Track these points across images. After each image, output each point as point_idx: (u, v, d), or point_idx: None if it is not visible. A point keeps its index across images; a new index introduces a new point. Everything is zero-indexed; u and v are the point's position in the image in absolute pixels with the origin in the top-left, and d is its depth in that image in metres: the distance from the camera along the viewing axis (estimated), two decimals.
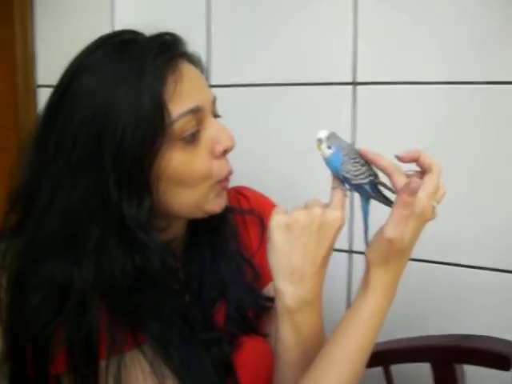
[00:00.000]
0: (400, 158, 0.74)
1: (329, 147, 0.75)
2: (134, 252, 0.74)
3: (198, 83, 0.81)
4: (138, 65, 0.73)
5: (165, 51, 0.76)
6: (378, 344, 1.08)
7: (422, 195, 0.69)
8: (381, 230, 0.71)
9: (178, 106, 0.74)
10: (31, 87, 1.49)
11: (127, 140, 0.71)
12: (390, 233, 0.69)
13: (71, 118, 0.73)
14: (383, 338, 1.10)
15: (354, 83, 1.24)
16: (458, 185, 1.14)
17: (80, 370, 0.71)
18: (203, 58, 1.36)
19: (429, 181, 0.71)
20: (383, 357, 1.11)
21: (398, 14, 1.19)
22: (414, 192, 0.68)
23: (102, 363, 0.72)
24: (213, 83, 1.37)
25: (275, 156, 1.35)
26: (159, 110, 0.72)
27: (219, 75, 1.38)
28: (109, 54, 0.75)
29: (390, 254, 0.71)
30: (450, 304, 1.21)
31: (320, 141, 0.75)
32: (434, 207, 0.72)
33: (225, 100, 1.36)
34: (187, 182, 0.77)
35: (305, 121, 1.29)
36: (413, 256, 1.15)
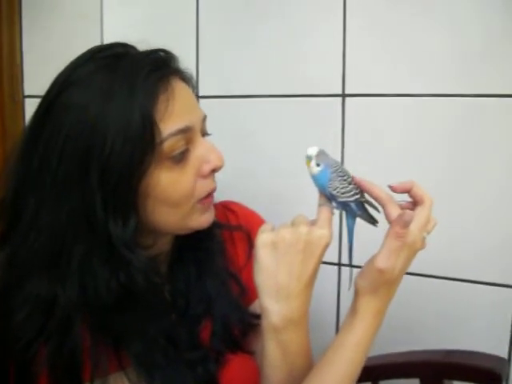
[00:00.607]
0: (393, 189, 0.74)
1: (318, 164, 0.75)
2: (118, 269, 0.73)
3: (190, 102, 0.80)
4: (129, 81, 0.72)
5: (158, 69, 0.75)
6: (367, 359, 1.08)
7: (414, 227, 0.71)
8: (372, 260, 0.71)
9: (169, 125, 0.73)
10: (18, 98, 1.48)
11: (115, 156, 0.70)
12: (382, 263, 0.70)
13: (58, 131, 0.71)
14: (372, 352, 1.10)
15: (344, 95, 1.23)
16: (451, 198, 1.15)
17: None
18: (192, 69, 1.38)
19: (420, 213, 0.72)
20: (372, 372, 1.09)
21: (387, 27, 1.18)
22: (406, 224, 0.69)
23: None
24: (201, 94, 1.36)
25: (263, 168, 1.34)
26: (149, 128, 0.71)
27: (207, 86, 1.37)
28: (100, 67, 0.74)
29: (380, 283, 0.71)
30: (439, 318, 1.20)
31: (309, 158, 0.75)
32: (424, 238, 0.73)
33: (213, 112, 1.36)
34: (173, 201, 0.76)
35: (293, 132, 1.29)
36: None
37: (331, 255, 1.28)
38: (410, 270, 1.15)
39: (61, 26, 1.47)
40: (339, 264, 1.29)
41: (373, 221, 0.76)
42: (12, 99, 1.45)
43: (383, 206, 0.73)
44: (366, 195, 0.76)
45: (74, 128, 0.71)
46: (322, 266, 1.24)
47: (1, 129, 1.45)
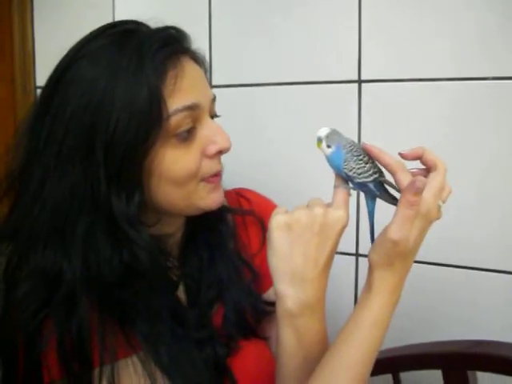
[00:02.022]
0: (403, 156, 0.71)
1: (328, 146, 0.72)
2: (121, 247, 0.73)
3: (199, 81, 0.79)
4: (138, 56, 0.71)
5: (168, 45, 0.74)
6: (387, 350, 1.06)
7: (428, 194, 0.67)
8: (385, 231, 0.68)
9: (176, 101, 0.72)
10: (30, 88, 1.47)
11: (120, 131, 0.69)
12: (395, 234, 0.66)
13: (65, 104, 0.71)
14: (392, 344, 1.08)
15: (360, 81, 1.20)
16: (465, 184, 1.11)
17: (73, 372, 0.69)
18: (205, 57, 1.36)
19: (434, 179, 0.69)
20: (393, 363, 1.07)
21: (403, 11, 1.15)
22: (419, 191, 0.65)
23: (96, 370, 0.70)
24: (214, 83, 1.35)
25: (277, 156, 1.32)
26: (156, 103, 0.70)
27: (220, 75, 1.35)
28: (109, 43, 0.73)
29: (395, 255, 0.67)
30: (462, 308, 1.17)
31: (319, 139, 0.73)
32: (439, 206, 0.69)
33: (228, 100, 1.35)
34: (177, 179, 0.75)
35: (310, 120, 1.26)
36: (424, 259, 1.15)
37: (349, 245, 1.25)
38: (435, 259, 1.15)
39: (72, 16, 1.47)
40: (357, 254, 1.26)
41: (394, 201, 0.72)
42: (24, 90, 1.45)
43: (393, 174, 0.69)
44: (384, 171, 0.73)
45: (81, 101, 0.70)
46: (339, 256, 1.24)
47: (13, 119, 1.45)
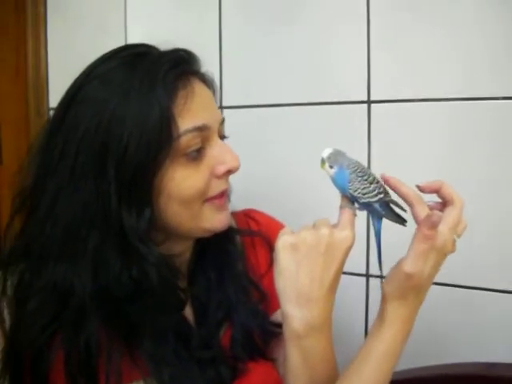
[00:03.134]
0: (421, 188, 0.71)
1: (331, 166, 0.72)
2: (131, 263, 0.73)
3: (208, 102, 0.80)
4: (149, 77, 0.73)
5: (178, 66, 0.76)
6: (396, 373, 1.04)
7: (444, 228, 0.67)
8: (399, 264, 0.68)
9: (186, 121, 0.74)
10: (43, 110, 1.49)
11: (131, 149, 0.71)
12: (410, 267, 0.66)
13: (77, 124, 0.73)
14: (402, 366, 1.06)
15: (369, 102, 1.21)
16: (478, 204, 1.10)
17: None
18: (216, 78, 1.37)
19: (450, 214, 0.69)
20: None
21: (412, 31, 1.16)
22: (435, 225, 0.66)
23: None
24: (224, 104, 1.36)
25: (289, 176, 1.32)
26: (167, 122, 0.72)
27: (231, 96, 1.36)
28: (121, 64, 0.75)
29: (409, 288, 0.68)
30: (473, 330, 1.15)
31: (322, 160, 0.73)
32: (454, 240, 0.69)
33: (238, 121, 1.36)
34: (185, 198, 0.76)
35: (319, 140, 1.26)
36: (436, 280, 1.14)
37: (359, 266, 1.25)
38: (450, 281, 1.14)
39: (85, 39, 1.49)
40: (367, 275, 1.25)
41: (400, 220, 0.72)
42: (37, 112, 1.47)
43: (411, 206, 0.70)
44: (393, 194, 0.73)
45: (93, 121, 0.72)
46: (350, 277, 1.23)
47: (26, 141, 1.47)
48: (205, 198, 0.78)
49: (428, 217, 0.66)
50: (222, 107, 1.37)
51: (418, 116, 1.16)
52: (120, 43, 0.85)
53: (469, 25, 1.11)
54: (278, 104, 1.32)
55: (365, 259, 1.24)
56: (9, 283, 0.75)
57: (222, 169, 0.78)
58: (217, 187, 0.79)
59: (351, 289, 1.24)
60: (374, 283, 1.24)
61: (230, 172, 0.80)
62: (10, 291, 0.74)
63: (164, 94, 0.72)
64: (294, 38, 1.29)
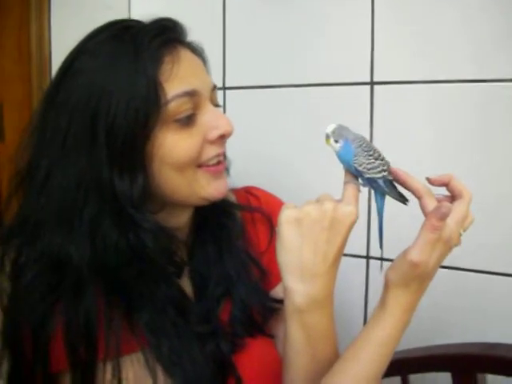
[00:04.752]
0: (430, 181, 0.72)
1: (336, 141, 0.72)
2: (127, 231, 0.74)
3: (196, 68, 0.80)
4: (134, 46, 0.74)
5: (163, 34, 0.76)
6: (396, 352, 1.04)
7: (451, 221, 0.68)
8: (405, 253, 0.68)
9: (174, 86, 0.74)
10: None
11: (120, 117, 0.72)
12: (416, 256, 0.66)
13: (68, 97, 0.74)
14: (402, 346, 1.07)
15: (372, 83, 1.21)
16: (481, 186, 1.10)
17: (79, 360, 0.70)
18: (219, 59, 1.37)
19: (458, 207, 0.69)
20: (402, 366, 1.06)
21: (415, 13, 1.16)
22: (444, 217, 0.66)
23: (100, 362, 0.71)
24: (227, 85, 1.36)
25: (289, 158, 1.32)
26: (153, 88, 0.72)
27: (233, 77, 1.37)
28: (109, 37, 0.76)
29: (413, 277, 0.68)
30: (474, 312, 1.16)
31: (327, 136, 0.73)
32: (460, 234, 0.70)
33: (241, 102, 1.36)
34: (177, 164, 0.76)
35: (322, 121, 1.25)
36: None
37: (359, 248, 1.25)
38: (445, 263, 1.14)
39: (88, 19, 1.47)
40: (367, 257, 1.25)
41: (403, 199, 0.73)
42: (40, 91, 1.47)
43: (420, 198, 0.70)
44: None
45: (83, 92, 0.73)
46: (350, 258, 1.24)
47: (30, 116, 1.45)
48: (198, 163, 0.78)
49: (438, 208, 0.66)
50: (224, 88, 1.37)
51: (421, 98, 1.16)
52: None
53: (474, 7, 1.10)
54: (280, 85, 1.32)
55: (365, 241, 1.25)
56: (7, 259, 0.75)
57: (215, 133, 0.78)
58: (209, 151, 0.79)
59: (351, 270, 1.25)
60: (375, 265, 1.25)
61: (223, 137, 0.80)
62: (8, 267, 0.75)
63: (149, 61, 0.73)
64: (297, 19, 1.28)
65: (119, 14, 1.44)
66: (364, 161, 0.71)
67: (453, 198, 0.72)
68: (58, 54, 1.52)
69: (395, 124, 1.19)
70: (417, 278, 0.68)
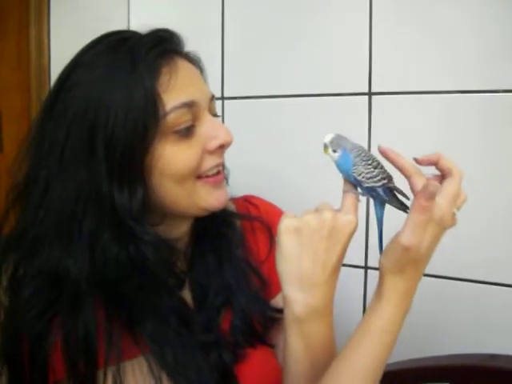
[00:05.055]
0: (418, 161, 0.70)
1: (334, 151, 0.72)
2: (127, 244, 0.73)
3: (194, 78, 0.80)
4: (131, 57, 0.73)
5: (159, 45, 0.76)
6: (395, 363, 1.04)
7: (441, 200, 0.65)
8: (396, 236, 0.66)
9: (172, 98, 0.74)
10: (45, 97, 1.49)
11: (118, 129, 0.71)
12: (406, 239, 0.64)
13: (65, 109, 0.74)
14: (401, 357, 1.06)
15: (370, 93, 1.21)
16: (474, 194, 1.10)
17: (78, 371, 0.69)
18: (218, 69, 1.38)
19: (448, 185, 0.67)
20: (401, 376, 1.06)
21: (411, 26, 1.17)
22: (431, 196, 0.64)
23: (100, 371, 0.70)
24: (226, 95, 1.36)
25: (289, 168, 1.33)
26: (152, 99, 0.72)
27: (232, 88, 1.37)
28: (106, 48, 0.76)
29: (406, 262, 0.66)
30: (473, 323, 1.15)
31: (325, 145, 0.73)
32: (454, 214, 0.68)
33: (239, 112, 1.36)
34: (177, 175, 0.76)
35: (320, 132, 1.25)
36: (434, 272, 1.14)
37: (357, 258, 1.25)
38: (451, 274, 1.14)
39: (87, 30, 1.46)
40: (366, 267, 1.25)
41: (403, 207, 0.71)
42: (39, 101, 1.47)
43: (408, 178, 0.69)
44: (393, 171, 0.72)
45: (80, 104, 0.73)
46: (348, 269, 1.24)
47: (28, 128, 1.45)
48: (197, 174, 0.78)
49: (425, 187, 0.64)
50: (223, 98, 1.38)
51: (419, 108, 1.17)
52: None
53: (463, 21, 1.12)
54: (278, 95, 1.32)
55: (363, 251, 1.25)
56: (4, 273, 0.75)
57: (214, 143, 0.78)
58: (210, 162, 0.78)
59: (349, 281, 1.24)
60: (373, 275, 1.25)
61: (222, 147, 0.79)
62: (4, 282, 0.74)
63: (147, 73, 0.73)
64: (296, 29, 1.29)
65: (118, 26, 1.45)
66: (363, 170, 0.71)
67: (443, 177, 0.69)
68: (57, 63, 1.52)
69: (393, 134, 1.19)
70: (410, 261, 0.66)
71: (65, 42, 1.51)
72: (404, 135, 1.19)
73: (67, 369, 0.69)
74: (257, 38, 1.35)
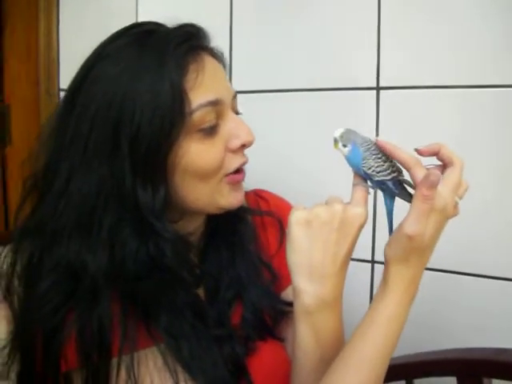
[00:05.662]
0: (419, 152, 0.71)
1: (344, 145, 0.73)
2: (147, 240, 0.73)
3: (220, 76, 0.80)
4: (159, 52, 0.72)
5: (187, 41, 0.75)
6: (401, 357, 1.05)
7: (443, 189, 0.66)
8: (400, 226, 0.67)
9: (199, 96, 0.74)
10: (54, 91, 1.50)
11: (145, 126, 0.71)
12: (410, 228, 0.65)
13: (89, 102, 0.72)
14: (408, 350, 1.07)
15: (378, 88, 1.21)
16: (479, 188, 1.10)
17: (92, 364, 0.69)
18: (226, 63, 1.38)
19: (450, 175, 0.68)
20: (406, 370, 1.06)
21: (420, 20, 1.17)
22: (433, 185, 0.64)
23: (114, 360, 0.70)
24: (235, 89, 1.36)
25: (297, 161, 1.33)
26: (179, 97, 0.71)
27: (240, 81, 1.37)
28: (130, 42, 0.75)
29: (410, 250, 0.67)
30: (482, 317, 1.16)
31: (335, 140, 0.73)
32: (456, 203, 0.69)
33: (247, 106, 1.36)
34: (201, 173, 0.75)
35: (328, 126, 1.26)
36: (442, 267, 1.14)
37: (364, 252, 1.25)
38: (450, 267, 1.14)
39: (96, 22, 1.49)
40: (372, 261, 1.26)
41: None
42: (48, 92, 1.47)
43: (409, 170, 0.69)
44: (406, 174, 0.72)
45: (105, 98, 0.72)
46: (355, 263, 1.24)
47: (36, 122, 1.47)
48: (224, 173, 0.78)
49: (426, 176, 0.64)
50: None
51: (427, 103, 1.17)
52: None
53: (474, 14, 1.11)
54: (286, 89, 1.33)
55: (370, 245, 1.25)
56: (19, 261, 0.75)
57: (236, 143, 0.78)
58: (232, 162, 0.78)
59: (356, 275, 1.25)
60: (380, 270, 1.24)
61: (244, 146, 0.79)
62: (19, 270, 0.74)
63: (174, 69, 0.72)
64: (305, 23, 1.29)
65: (126, 19, 1.45)
66: (373, 164, 0.71)
67: (444, 166, 0.70)
68: (66, 55, 1.53)
69: (401, 129, 1.20)
70: (415, 250, 0.67)
71: (74, 35, 1.51)
72: (412, 130, 1.18)
73: (81, 360, 0.69)
74: (265, 33, 1.35)
